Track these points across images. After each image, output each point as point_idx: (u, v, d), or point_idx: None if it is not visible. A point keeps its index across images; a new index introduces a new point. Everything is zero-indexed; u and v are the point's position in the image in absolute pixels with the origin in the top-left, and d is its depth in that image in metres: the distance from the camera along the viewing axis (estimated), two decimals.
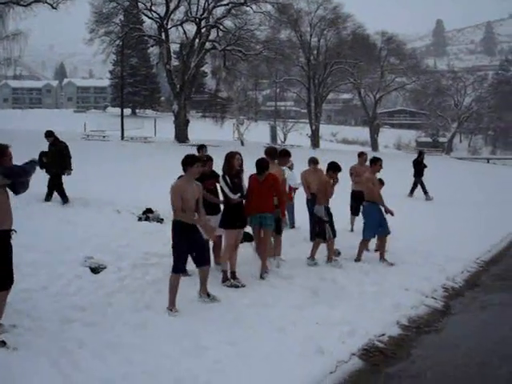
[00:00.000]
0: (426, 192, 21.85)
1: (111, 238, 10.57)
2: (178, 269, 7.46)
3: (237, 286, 8.47)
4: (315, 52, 60.45)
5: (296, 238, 11.87)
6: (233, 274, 8.74)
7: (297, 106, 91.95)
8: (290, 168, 13.33)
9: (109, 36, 45.75)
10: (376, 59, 63.34)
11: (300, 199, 12.77)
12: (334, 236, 10.40)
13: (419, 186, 22.14)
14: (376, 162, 11.41)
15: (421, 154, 23.53)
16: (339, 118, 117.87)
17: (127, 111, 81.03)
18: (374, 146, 68.17)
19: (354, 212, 13.60)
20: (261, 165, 9.26)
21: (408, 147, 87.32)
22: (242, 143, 53.10)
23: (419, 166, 22.46)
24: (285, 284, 8.85)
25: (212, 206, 9.10)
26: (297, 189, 12.89)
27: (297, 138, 67.03)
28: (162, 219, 12.63)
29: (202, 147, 11.59)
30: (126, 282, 8.14)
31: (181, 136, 45.78)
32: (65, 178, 13.95)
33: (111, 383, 5.12)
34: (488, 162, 62.71)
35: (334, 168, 10.50)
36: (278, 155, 10.51)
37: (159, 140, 47.95)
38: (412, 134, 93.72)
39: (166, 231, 11.49)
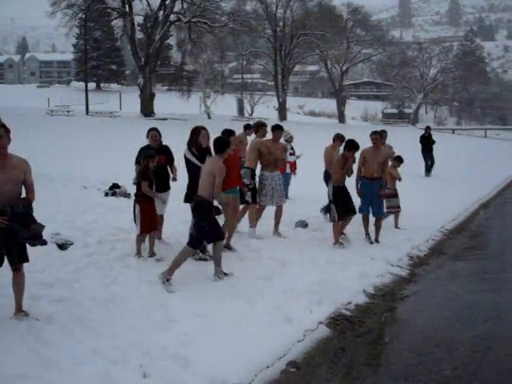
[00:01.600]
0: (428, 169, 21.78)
1: (78, 214, 10.50)
2: (197, 245, 7.77)
3: (205, 260, 8.44)
4: (281, 24, 60.17)
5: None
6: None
7: (263, 78, 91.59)
8: (289, 141, 13.41)
9: (71, 9, 44.90)
10: (342, 31, 63.33)
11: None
12: (340, 219, 9.97)
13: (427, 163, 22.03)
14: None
15: (427, 129, 23.16)
16: (306, 90, 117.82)
17: (92, 85, 79.83)
18: (341, 118, 68.51)
19: None
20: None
21: (375, 119, 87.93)
22: (209, 116, 52.86)
23: (427, 142, 22.20)
24: (254, 256, 8.92)
25: (164, 182, 9.29)
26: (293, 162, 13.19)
27: (264, 110, 66.97)
28: (129, 194, 12.57)
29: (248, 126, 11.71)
30: (93, 258, 8.10)
31: (146, 110, 45.38)
32: (29, 155, 13.71)
33: (81, 358, 5.12)
34: (453, 132, 63.56)
35: (349, 147, 10.00)
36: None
37: (124, 114, 47.45)
38: (378, 105, 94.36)
39: (132, 206, 11.50)
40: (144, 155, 8.57)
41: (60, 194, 12.18)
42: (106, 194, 12.57)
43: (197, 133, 8.72)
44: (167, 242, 9.31)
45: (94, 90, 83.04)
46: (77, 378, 4.79)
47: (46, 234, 8.64)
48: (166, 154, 9.39)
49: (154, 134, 9.35)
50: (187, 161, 8.72)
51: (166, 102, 55.56)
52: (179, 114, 48.83)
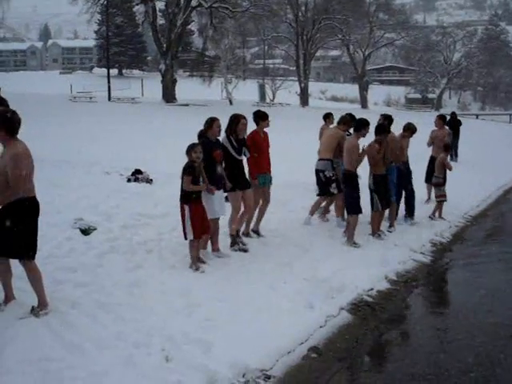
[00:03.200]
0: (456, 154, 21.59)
1: (100, 199, 10.57)
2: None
3: (245, 251, 8.30)
4: (303, 8, 59.70)
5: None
6: (245, 233, 8.78)
7: (285, 63, 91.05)
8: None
9: None
10: (365, 15, 62.76)
11: None
12: (384, 208, 9.80)
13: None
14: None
15: (453, 115, 23.20)
16: (328, 75, 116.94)
17: (114, 72, 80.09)
18: (364, 103, 67.99)
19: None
20: (261, 115, 9.00)
21: (398, 104, 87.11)
22: (231, 102, 52.76)
23: (454, 127, 21.70)
24: (277, 241, 8.92)
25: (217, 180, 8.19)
26: None
27: (286, 96, 66.73)
28: (151, 180, 12.63)
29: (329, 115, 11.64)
30: (116, 243, 8.15)
31: (168, 96, 45.45)
32: (52, 141, 13.84)
33: (104, 342, 5.18)
34: (477, 117, 62.78)
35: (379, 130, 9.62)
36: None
37: (146, 100, 47.62)
38: (401, 90, 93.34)
39: (155, 192, 11.58)
40: (189, 146, 7.47)
41: (83, 179, 12.26)
42: (129, 180, 12.63)
43: (236, 122, 8.36)
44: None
45: (116, 77, 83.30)
46: (100, 361, 4.84)
47: (69, 219, 8.82)
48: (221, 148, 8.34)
49: (219, 123, 8.12)
50: (224, 149, 8.26)
51: (188, 87, 55.61)
52: (201, 100, 48.86)
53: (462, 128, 22.67)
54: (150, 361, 4.93)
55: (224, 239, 8.43)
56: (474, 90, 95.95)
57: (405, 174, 10.79)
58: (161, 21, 50.87)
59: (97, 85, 59.59)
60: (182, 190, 7.41)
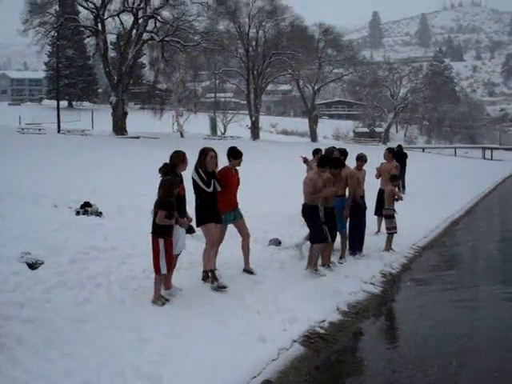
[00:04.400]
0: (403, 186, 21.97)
1: (49, 232, 10.35)
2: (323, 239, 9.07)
3: (224, 287, 8.04)
4: (254, 43, 60.48)
5: None
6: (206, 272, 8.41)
7: (236, 97, 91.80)
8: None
9: (43, 27, 44.49)
10: (314, 51, 63.92)
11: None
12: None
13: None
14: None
15: (399, 148, 23.40)
16: (278, 109, 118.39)
17: (64, 103, 79.18)
18: (313, 136, 68.93)
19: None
20: (235, 153, 8.92)
21: (346, 137, 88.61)
22: (182, 135, 52.84)
23: (401, 160, 22.07)
24: (229, 274, 8.87)
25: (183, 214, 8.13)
26: None
27: (237, 129, 67.09)
28: (101, 213, 12.44)
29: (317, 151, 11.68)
30: (64, 277, 7.96)
31: (119, 128, 45.16)
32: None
33: (52, 379, 5.03)
34: (423, 151, 64.39)
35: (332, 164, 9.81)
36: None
37: (97, 133, 47.18)
38: (350, 124, 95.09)
39: (104, 225, 11.41)
40: (169, 181, 7.38)
41: (30, 212, 11.99)
42: (78, 213, 12.41)
43: (204, 155, 8.31)
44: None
45: (66, 108, 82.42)
46: None
47: (16, 253, 8.60)
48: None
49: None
50: (194, 183, 8.30)
51: (139, 120, 55.39)
52: (152, 132, 48.72)
53: (408, 160, 23.19)
54: None
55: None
56: (420, 124, 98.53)
57: (362, 209, 11.00)
58: (112, 53, 50.88)
59: (46, 116, 58.80)
60: (155, 224, 7.30)
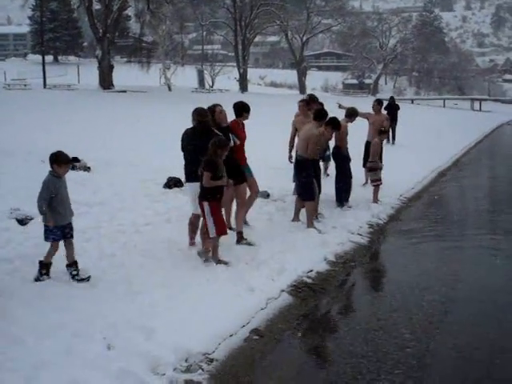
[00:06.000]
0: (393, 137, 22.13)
1: (37, 188, 10.29)
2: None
3: (251, 244, 8.13)
4: None
5: None
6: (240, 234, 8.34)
7: (224, 49, 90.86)
8: None
9: None
10: (302, 1, 63.07)
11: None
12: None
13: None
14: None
15: (391, 99, 23.85)
16: (267, 61, 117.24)
17: (49, 58, 78.04)
18: (302, 88, 68.48)
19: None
20: (245, 107, 8.76)
21: (335, 89, 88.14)
22: (170, 88, 52.35)
23: (393, 111, 22.22)
24: None
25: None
26: None
27: (225, 82, 66.54)
28: (89, 168, 12.44)
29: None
30: None
31: (105, 82, 44.63)
32: None
33: (44, 332, 5.12)
34: (412, 102, 64.21)
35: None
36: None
37: (83, 87, 46.60)
38: (339, 76, 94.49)
39: (93, 179, 11.42)
40: (215, 142, 7.12)
41: (19, 168, 11.97)
42: None
43: (212, 112, 8.11)
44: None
45: (52, 63, 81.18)
46: (40, 351, 4.79)
47: (5, 210, 8.63)
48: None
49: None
50: None
51: (126, 74, 54.72)
52: (139, 86, 48.22)
53: (399, 112, 23.19)
54: (92, 349, 4.90)
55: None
56: (409, 76, 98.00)
57: (347, 160, 11.12)
58: (97, 6, 49.68)
59: (31, 72, 57.87)
60: (202, 187, 7.15)
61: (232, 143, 8.05)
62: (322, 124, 9.53)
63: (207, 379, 4.74)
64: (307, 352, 5.53)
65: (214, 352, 5.13)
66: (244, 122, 8.96)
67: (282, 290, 6.65)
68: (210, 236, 7.18)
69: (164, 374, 4.67)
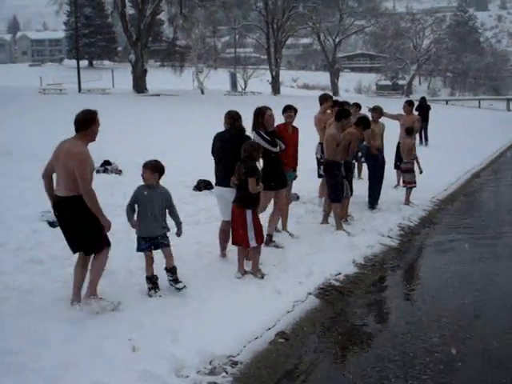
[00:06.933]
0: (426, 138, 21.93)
1: None
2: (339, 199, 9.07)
3: (278, 247, 8.12)
4: None
5: None
6: (269, 237, 8.20)
7: (256, 52, 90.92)
8: None
9: None
10: (335, 2, 62.80)
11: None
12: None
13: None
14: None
15: (422, 100, 23.55)
16: (299, 63, 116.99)
17: (84, 63, 79.28)
18: (335, 90, 68.16)
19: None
20: (288, 110, 8.71)
21: (368, 90, 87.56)
22: (202, 92, 52.62)
23: (424, 112, 21.78)
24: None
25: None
26: None
27: (257, 84, 66.60)
28: (121, 171, 12.56)
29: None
30: None
31: (139, 86, 45.04)
32: (20, 133, 13.68)
33: (71, 333, 5.17)
34: (447, 103, 63.39)
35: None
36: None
37: (117, 91, 47.13)
38: (372, 77, 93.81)
39: (124, 182, 11.51)
40: (251, 145, 6.98)
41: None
42: (98, 171, 12.53)
43: (261, 114, 7.94)
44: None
45: (87, 68, 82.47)
46: (65, 352, 4.83)
47: (36, 212, 8.76)
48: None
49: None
50: None
51: (159, 78, 55.31)
52: (172, 89, 48.58)
53: (431, 113, 22.88)
54: (117, 351, 4.93)
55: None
56: (443, 76, 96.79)
57: (380, 162, 11.01)
58: (130, 11, 50.29)
59: (67, 76, 58.88)
60: (245, 194, 6.86)
61: (278, 148, 7.95)
62: (344, 124, 9.34)
63: (231, 382, 4.72)
64: (333, 355, 5.47)
65: (238, 355, 5.11)
66: (293, 125, 8.84)
67: (310, 293, 6.61)
68: (251, 246, 6.88)
69: (188, 377, 4.67)
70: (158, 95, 42.34)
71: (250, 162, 6.85)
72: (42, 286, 6.30)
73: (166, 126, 22.84)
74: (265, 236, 7.60)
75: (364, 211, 10.65)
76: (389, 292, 7.38)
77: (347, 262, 7.81)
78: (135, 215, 6.36)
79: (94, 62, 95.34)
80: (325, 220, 9.64)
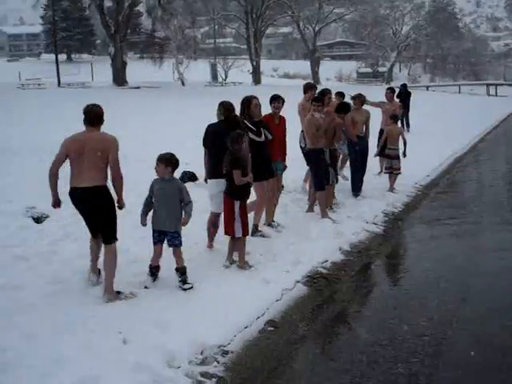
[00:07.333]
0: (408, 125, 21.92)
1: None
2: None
3: (265, 236, 8.13)
4: None
5: None
6: (255, 226, 8.20)
7: (236, 42, 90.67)
8: None
9: None
10: None
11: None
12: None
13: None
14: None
15: (403, 86, 23.49)
16: (280, 52, 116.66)
17: (62, 57, 78.47)
18: (316, 79, 68.13)
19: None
20: (276, 100, 8.61)
21: (349, 78, 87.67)
22: (183, 83, 52.40)
23: (404, 98, 21.87)
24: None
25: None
26: None
27: (238, 74, 66.43)
28: None
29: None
30: (69, 230, 8.07)
31: (119, 79, 44.72)
32: (3, 130, 13.52)
33: (62, 327, 5.17)
34: (427, 89, 63.64)
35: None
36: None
37: (97, 85, 46.75)
38: (352, 65, 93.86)
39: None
40: (232, 136, 6.85)
41: (34, 167, 12.02)
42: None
43: (248, 104, 7.92)
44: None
45: (65, 62, 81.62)
46: (56, 347, 4.82)
47: (21, 208, 8.69)
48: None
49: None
50: None
51: (139, 70, 54.87)
52: (152, 81, 48.30)
53: (412, 99, 22.95)
54: (108, 344, 4.93)
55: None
56: (423, 62, 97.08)
57: (361, 149, 11.05)
58: (108, 3, 49.79)
59: (45, 71, 58.24)
60: (232, 185, 6.88)
61: (263, 138, 7.93)
62: (319, 108, 9.27)
63: (222, 371, 4.75)
64: (322, 342, 5.52)
65: (229, 344, 5.14)
66: (281, 115, 8.79)
67: (297, 281, 6.65)
68: (236, 236, 6.94)
69: (179, 367, 4.69)
70: (139, 87, 42.11)
71: (234, 154, 6.82)
72: (29, 282, 6.26)
73: (147, 117, 22.73)
74: (251, 226, 7.63)
75: (349, 198, 10.71)
76: (376, 278, 7.45)
77: (334, 249, 7.85)
78: (149, 212, 6.41)
79: (73, 56, 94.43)
80: (310, 209, 9.69)
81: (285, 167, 9.15)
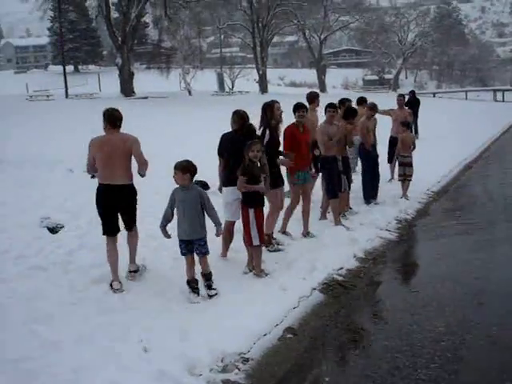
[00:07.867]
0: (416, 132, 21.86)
1: (66, 197, 10.49)
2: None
3: (279, 250, 8.04)
4: None
5: None
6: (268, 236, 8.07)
7: (242, 51, 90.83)
8: None
9: None
10: None
11: None
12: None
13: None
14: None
15: (412, 93, 23.44)
16: (286, 61, 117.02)
17: (69, 68, 78.90)
18: (322, 87, 68.25)
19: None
20: (301, 108, 8.50)
21: (356, 86, 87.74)
22: (190, 93, 52.56)
23: (413, 106, 21.89)
24: None
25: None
26: None
27: (244, 83, 66.62)
28: None
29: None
30: (85, 240, 8.14)
31: (126, 89, 44.91)
32: (13, 142, 13.62)
33: (84, 336, 5.20)
34: (434, 96, 63.61)
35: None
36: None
37: (104, 95, 46.99)
38: (359, 72, 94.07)
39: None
40: (247, 145, 6.88)
41: (47, 178, 12.12)
42: (93, 176, 12.48)
43: (270, 108, 8.03)
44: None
45: (73, 73, 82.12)
46: (78, 356, 4.85)
47: (35, 219, 8.75)
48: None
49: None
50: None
51: (146, 80, 55.08)
52: (160, 92, 48.50)
53: (420, 106, 22.96)
54: (129, 352, 4.96)
55: None
56: (429, 69, 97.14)
57: (373, 157, 11.09)
58: (115, 14, 50.12)
59: (53, 82, 58.61)
60: (244, 192, 6.94)
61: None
62: (333, 114, 9.34)
63: (244, 378, 4.77)
64: (341, 348, 5.53)
65: (249, 352, 5.16)
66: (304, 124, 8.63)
67: (314, 289, 6.67)
68: (254, 244, 6.97)
69: (201, 375, 4.72)
70: (146, 98, 42.26)
71: (244, 162, 6.86)
72: (47, 291, 6.31)
73: (158, 127, 22.82)
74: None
75: (361, 205, 10.73)
76: (391, 284, 7.45)
77: (348, 256, 7.88)
78: (168, 223, 6.43)
79: (80, 67, 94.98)
80: (323, 216, 9.71)
81: (312, 176, 9.20)
